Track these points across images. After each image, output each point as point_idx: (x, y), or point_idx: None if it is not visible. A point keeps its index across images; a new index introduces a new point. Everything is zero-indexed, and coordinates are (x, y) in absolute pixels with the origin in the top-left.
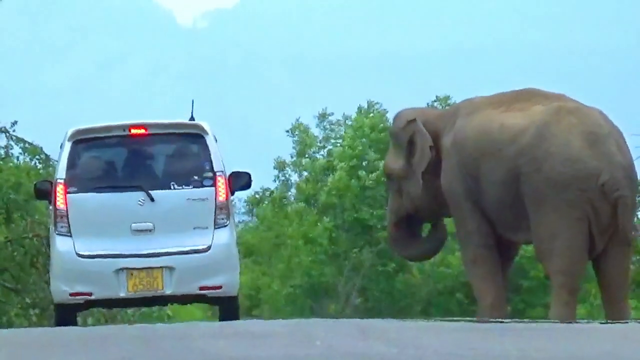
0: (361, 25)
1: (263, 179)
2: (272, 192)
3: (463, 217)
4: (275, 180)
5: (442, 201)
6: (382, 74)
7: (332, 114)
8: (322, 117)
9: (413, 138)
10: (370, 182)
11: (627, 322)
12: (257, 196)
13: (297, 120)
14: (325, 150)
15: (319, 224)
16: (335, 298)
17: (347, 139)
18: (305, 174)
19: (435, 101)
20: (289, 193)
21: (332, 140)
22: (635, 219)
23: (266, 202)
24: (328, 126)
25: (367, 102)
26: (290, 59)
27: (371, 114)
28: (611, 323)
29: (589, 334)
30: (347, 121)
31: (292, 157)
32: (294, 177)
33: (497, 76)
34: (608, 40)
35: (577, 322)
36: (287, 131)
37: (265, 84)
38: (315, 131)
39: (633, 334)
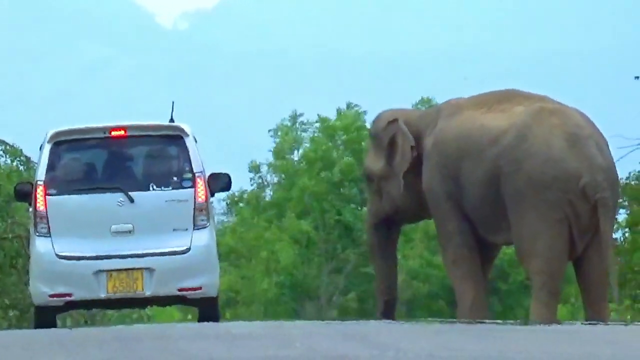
0: (344, 27)
1: (245, 181)
2: (248, 193)
3: (443, 217)
4: (251, 184)
5: (423, 202)
6: (366, 76)
7: (303, 114)
8: (293, 118)
9: (394, 139)
10: (335, 179)
11: (607, 324)
12: (235, 196)
13: (282, 121)
14: (299, 152)
15: (296, 219)
16: (317, 299)
17: (313, 142)
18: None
19: (418, 103)
20: (265, 194)
21: (305, 144)
22: (615, 222)
23: (242, 204)
24: (300, 127)
25: (346, 103)
26: (271, 59)
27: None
28: (591, 324)
29: (569, 335)
30: (316, 123)
31: (270, 158)
32: (273, 178)
33: (479, 79)
34: (588, 42)
35: (557, 323)
36: (270, 131)
37: (247, 85)
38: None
39: (613, 335)
